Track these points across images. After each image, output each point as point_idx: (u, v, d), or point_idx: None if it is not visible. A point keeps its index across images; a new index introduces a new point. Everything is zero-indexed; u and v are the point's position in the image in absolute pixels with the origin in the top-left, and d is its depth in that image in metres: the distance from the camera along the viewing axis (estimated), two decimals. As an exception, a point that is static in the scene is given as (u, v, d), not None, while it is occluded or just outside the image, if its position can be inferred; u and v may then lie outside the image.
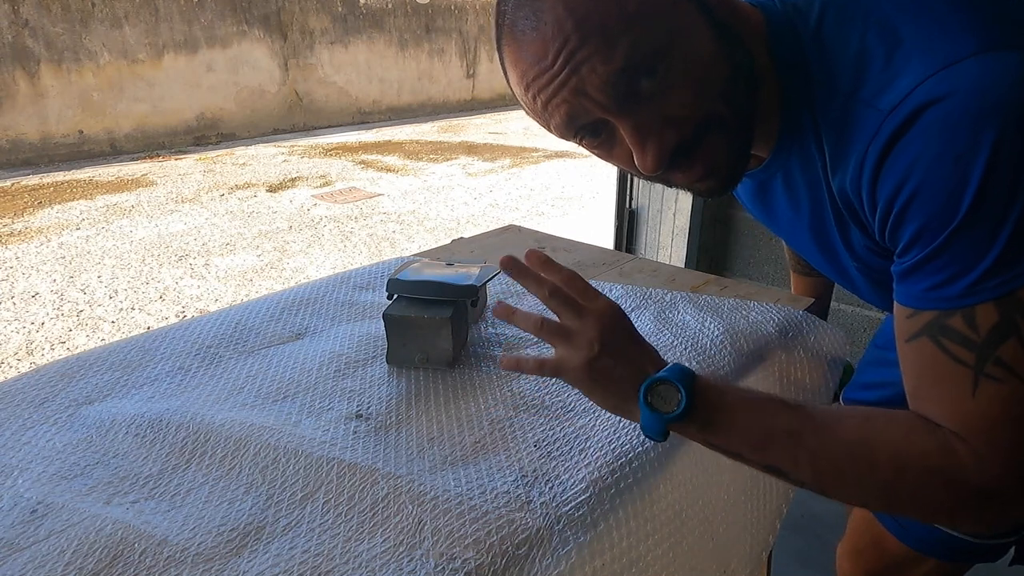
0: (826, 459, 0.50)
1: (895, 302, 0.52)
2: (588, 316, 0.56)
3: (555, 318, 0.58)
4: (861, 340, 1.87)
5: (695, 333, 0.85)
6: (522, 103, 0.56)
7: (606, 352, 0.54)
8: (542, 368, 0.57)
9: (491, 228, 1.40)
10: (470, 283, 0.82)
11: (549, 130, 0.56)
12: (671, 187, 0.61)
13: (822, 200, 0.59)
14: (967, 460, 0.46)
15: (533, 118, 0.57)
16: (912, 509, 0.50)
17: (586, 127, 0.54)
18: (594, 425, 0.67)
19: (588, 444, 0.64)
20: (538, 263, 0.59)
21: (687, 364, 0.76)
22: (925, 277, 0.48)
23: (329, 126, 7.88)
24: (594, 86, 0.50)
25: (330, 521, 0.55)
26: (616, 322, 0.56)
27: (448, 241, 1.37)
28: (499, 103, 9.93)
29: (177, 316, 2.99)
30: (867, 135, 0.49)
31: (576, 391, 0.69)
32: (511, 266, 0.58)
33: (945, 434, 0.47)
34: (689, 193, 0.63)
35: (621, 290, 0.99)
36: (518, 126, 8.22)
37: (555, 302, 0.57)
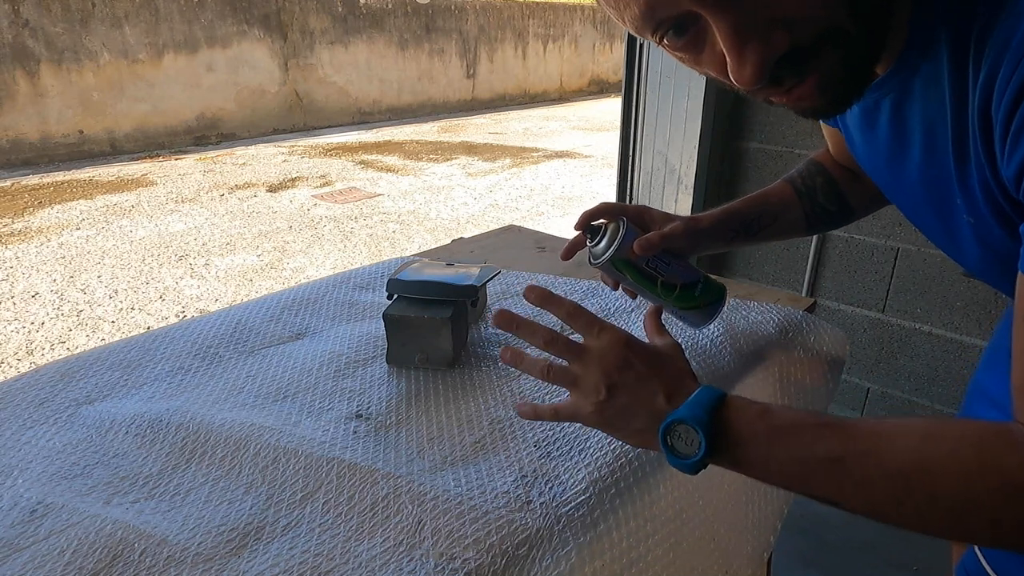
0: (878, 489, 0.43)
1: (1020, 272, 0.41)
2: (590, 359, 0.53)
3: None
4: (861, 340, 1.87)
5: (695, 333, 0.85)
6: None
7: (615, 395, 0.52)
8: (558, 415, 0.56)
9: (491, 228, 1.40)
10: (470, 283, 0.82)
11: (624, 24, 0.46)
12: (770, 104, 0.49)
13: (943, 127, 0.48)
14: None
15: (606, 10, 0.47)
16: (993, 540, 0.42)
17: (669, 21, 0.43)
18: (594, 425, 0.67)
19: (588, 444, 0.64)
20: (539, 300, 0.57)
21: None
22: None
23: (329, 126, 7.88)
24: None
25: (330, 521, 0.55)
26: (621, 359, 0.53)
27: (448, 241, 1.36)
28: (499, 103, 9.93)
29: (177, 316, 2.99)
30: None
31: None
32: (504, 322, 0.56)
33: None
34: (795, 112, 0.50)
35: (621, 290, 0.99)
36: (518, 126, 8.21)
37: (555, 350, 0.55)
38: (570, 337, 0.56)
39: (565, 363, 0.55)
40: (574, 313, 0.56)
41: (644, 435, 0.52)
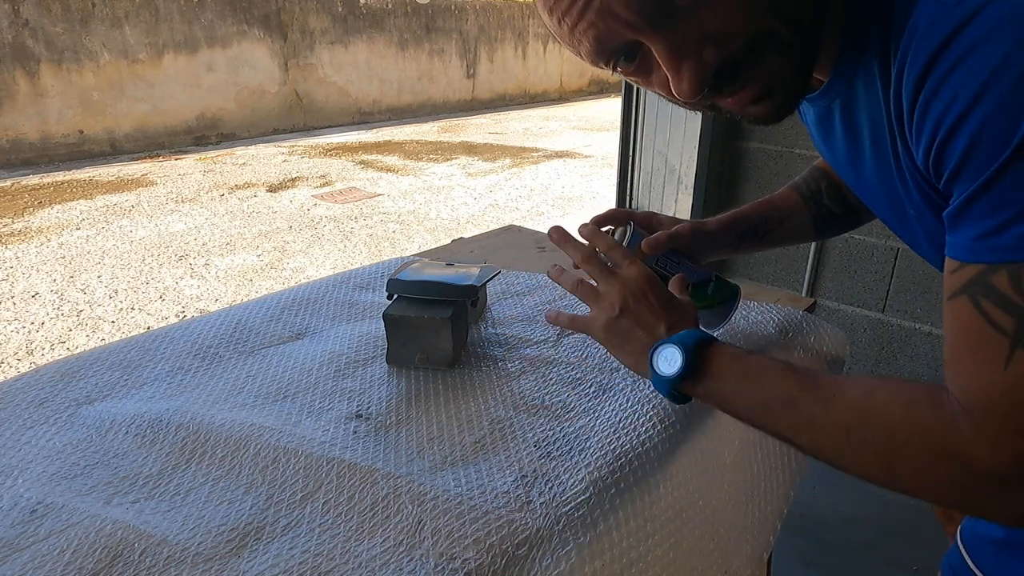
0: (823, 429, 0.49)
1: (947, 256, 0.45)
2: (615, 280, 0.63)
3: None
4: (861, 340, 1.87)
5: (695, 333, 0.85)
6: (551, 31, 0.52)
7: (626, 315, 0.61)
8: (574, 323, 0.67)
9: (491, 228, 1.40)
10: (470, 283, 0.82)
11: (581, 58, 0.51)
12: (720, 115, 0.54)
13: (882, 125, 0.51)
14: (974, 441, 0.41)
15: (565, 47, 0.52)
16: (916, 491, 0.46)
17: (618, 51, 0.49)
18: (594, 425, 0.67)
19: (588, 444, 0.64)
20: (588, 235, 0.69)
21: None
22: (974, 221, 0.41)
23: (329, 126, 7.88)
24: (621, 2, 0.45)
25: (330, 521, 0.55)
26: (641, 288, 0.62)
27: (448, 241, 1.37)
28: (499, 103, 9.93)
29: (177, 316, 2.99)
30: (930, 35, 0.41)
31: (577, 391, 0.73)
32: (557, 237, 0.69)
33: (952, 411, 0.42)
34: (743, 120, 0.54)
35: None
36: (518, 126, 8.22)
37: (589, 266, 0.66)
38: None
39: (593, 283, 0.66)
40: (613, 247, 0.67)
41: (638, 357, 0.60)
